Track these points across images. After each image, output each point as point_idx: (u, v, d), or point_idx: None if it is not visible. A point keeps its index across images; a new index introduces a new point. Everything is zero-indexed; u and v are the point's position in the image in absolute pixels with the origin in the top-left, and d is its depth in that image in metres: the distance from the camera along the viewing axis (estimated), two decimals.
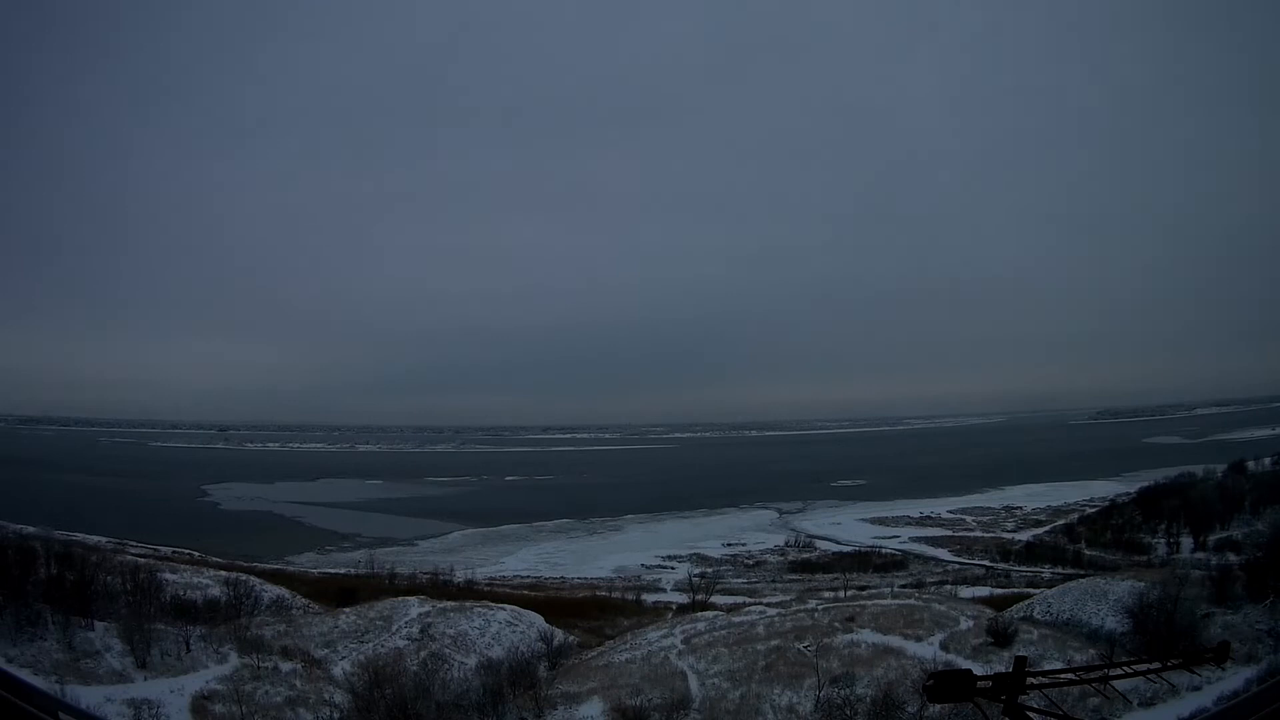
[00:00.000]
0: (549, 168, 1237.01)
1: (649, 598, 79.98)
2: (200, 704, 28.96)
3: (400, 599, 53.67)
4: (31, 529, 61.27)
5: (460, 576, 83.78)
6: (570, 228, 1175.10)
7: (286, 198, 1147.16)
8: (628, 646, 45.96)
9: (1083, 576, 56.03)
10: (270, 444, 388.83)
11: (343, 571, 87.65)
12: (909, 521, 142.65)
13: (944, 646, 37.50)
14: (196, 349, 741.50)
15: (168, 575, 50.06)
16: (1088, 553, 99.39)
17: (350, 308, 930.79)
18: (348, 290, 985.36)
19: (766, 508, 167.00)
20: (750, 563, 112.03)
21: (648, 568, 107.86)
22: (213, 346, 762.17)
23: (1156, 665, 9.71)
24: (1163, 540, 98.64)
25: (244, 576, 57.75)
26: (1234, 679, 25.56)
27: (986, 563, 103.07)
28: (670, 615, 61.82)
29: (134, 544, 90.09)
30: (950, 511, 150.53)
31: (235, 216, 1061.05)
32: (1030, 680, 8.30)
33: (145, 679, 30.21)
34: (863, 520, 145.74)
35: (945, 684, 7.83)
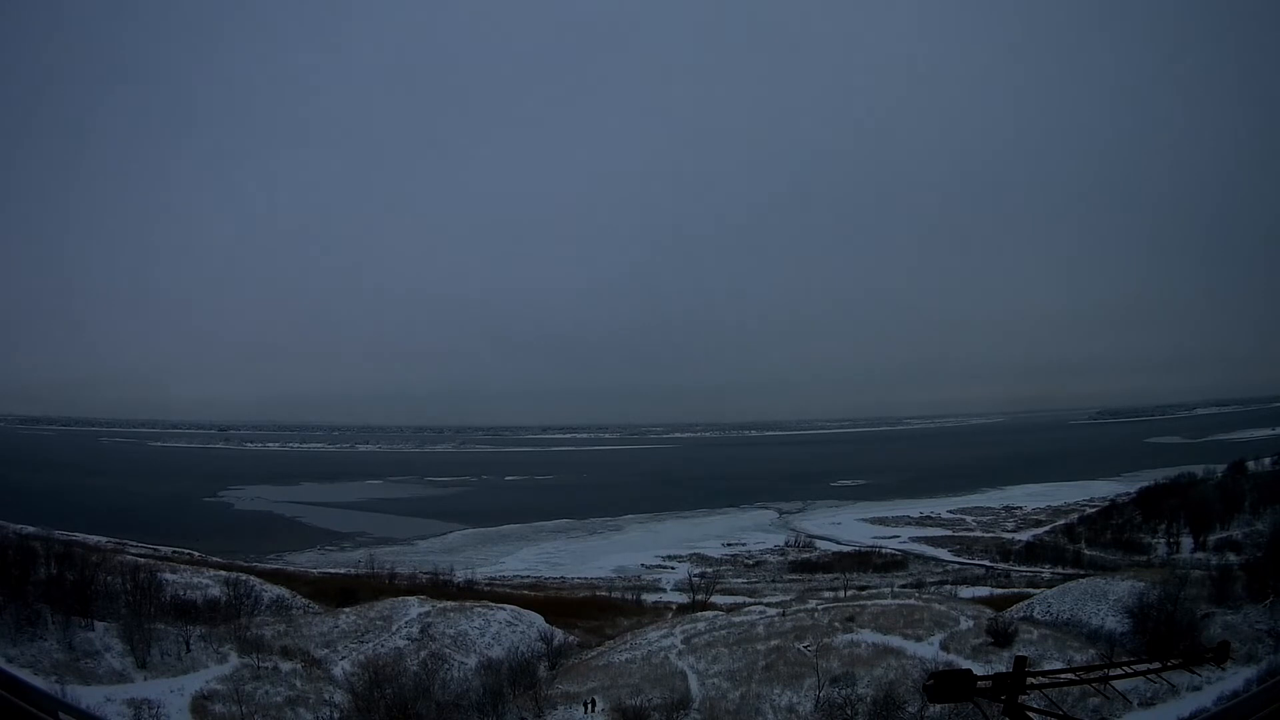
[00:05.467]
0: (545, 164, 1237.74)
1: (649, 598, 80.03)
2: (200, 704, 28.94)
3: (400, 599, 53.69)
4: (31, 529, 61.29)
5: (460, 576, 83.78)
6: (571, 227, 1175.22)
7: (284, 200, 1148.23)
8: (628, 646, 46.00)
9: (1083, 576, 56.06)
10: (270, 444, 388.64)
11: (343, 571, 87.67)
12: (909, 521, 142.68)
13: (944, 646, 37.50)
14: (197, 350, 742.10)
15: (168, 575, 50.07)
16: (1088, 553, 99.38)
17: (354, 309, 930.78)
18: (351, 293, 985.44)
19: (766, 508, 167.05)
20: (750, 563, 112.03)
21: (648, 568, 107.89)
22: (216, 347, 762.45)
23: (1156, 665, 9.68)
24: (1163, 540, 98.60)
25: (244, 576, 57.78)
26: (1234, 679, 25.55)
27: (986, 563, 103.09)
28: (670, 615, 61.86)
29: (134, 544, 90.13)
30: (950, 511, 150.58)
31: (234, 220, 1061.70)
32: (1030, 680, 8.30)
33: (145, 679, 30.19)
34: (863, 520, 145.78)
35: (945, 684, 7.83)
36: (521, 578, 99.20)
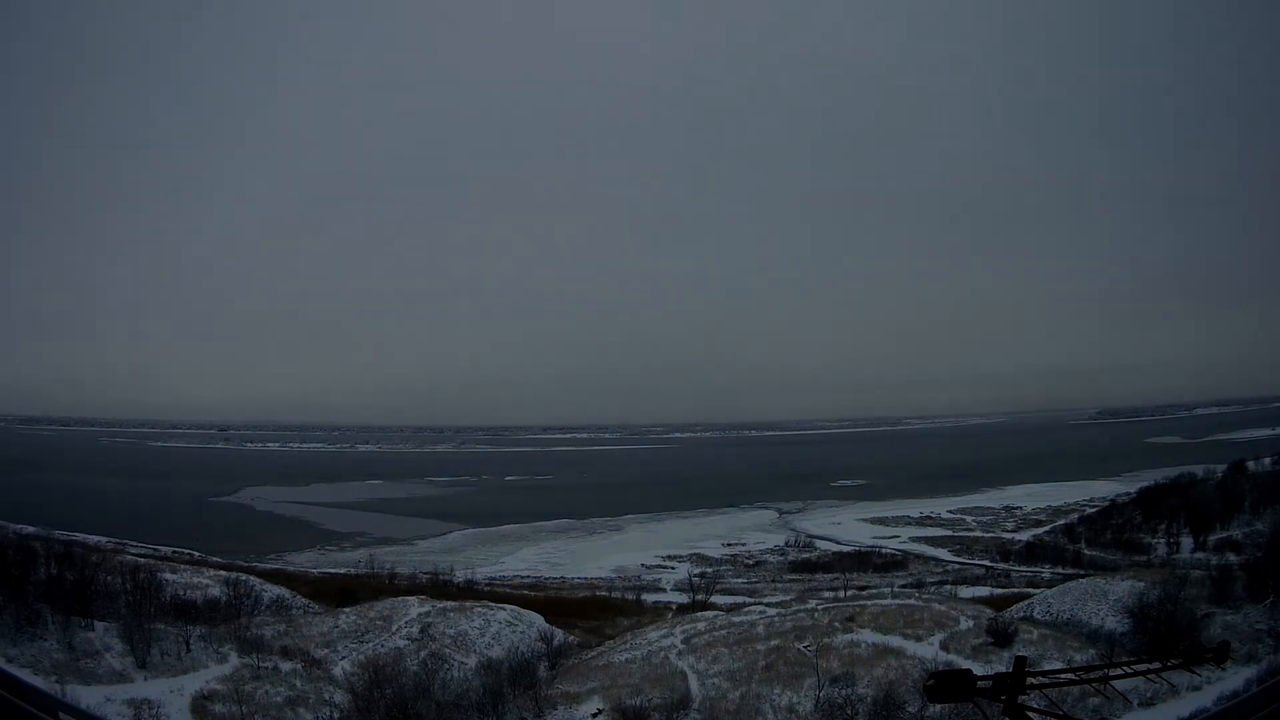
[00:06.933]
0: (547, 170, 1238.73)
1: (649, 598, 79.97)
2: (200, 704, 28.93)
3: (400, 599, 53.65)
4: (31, 529, 61.29)
5: (460, 576, 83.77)
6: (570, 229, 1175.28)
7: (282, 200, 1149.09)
8: (628, 646, 45.96)
9: (1083, 576, 56.04)
10: (270, 444, 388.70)
11: (343, 571, 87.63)
12: (909, 521, 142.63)
13: (944, 646, 37.49)
14: (199, 351, 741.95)
15: (168, 575, 50.03)
16: (1088, 553, 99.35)
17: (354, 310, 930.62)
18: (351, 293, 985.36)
19: (766, 508, 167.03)
20: (750, 563, 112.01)
21: (648, 568, 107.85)
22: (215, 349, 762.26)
23: (1156, 665, 9.71)
24: (1163, 540, 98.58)
25: (244, 576, 57.73)
26: (1234, 679, 25.56)
27: (986, 563, 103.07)
28: (670, 615, 61.84)
29: (134, 544, 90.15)
30: (950, 511, 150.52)
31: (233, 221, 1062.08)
32: (1030, 680, 8.31)
33: (145, 679, 30.18)
34: (863, 520, 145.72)
35: (945, 684, 7.84)
36: (521, 578, 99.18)
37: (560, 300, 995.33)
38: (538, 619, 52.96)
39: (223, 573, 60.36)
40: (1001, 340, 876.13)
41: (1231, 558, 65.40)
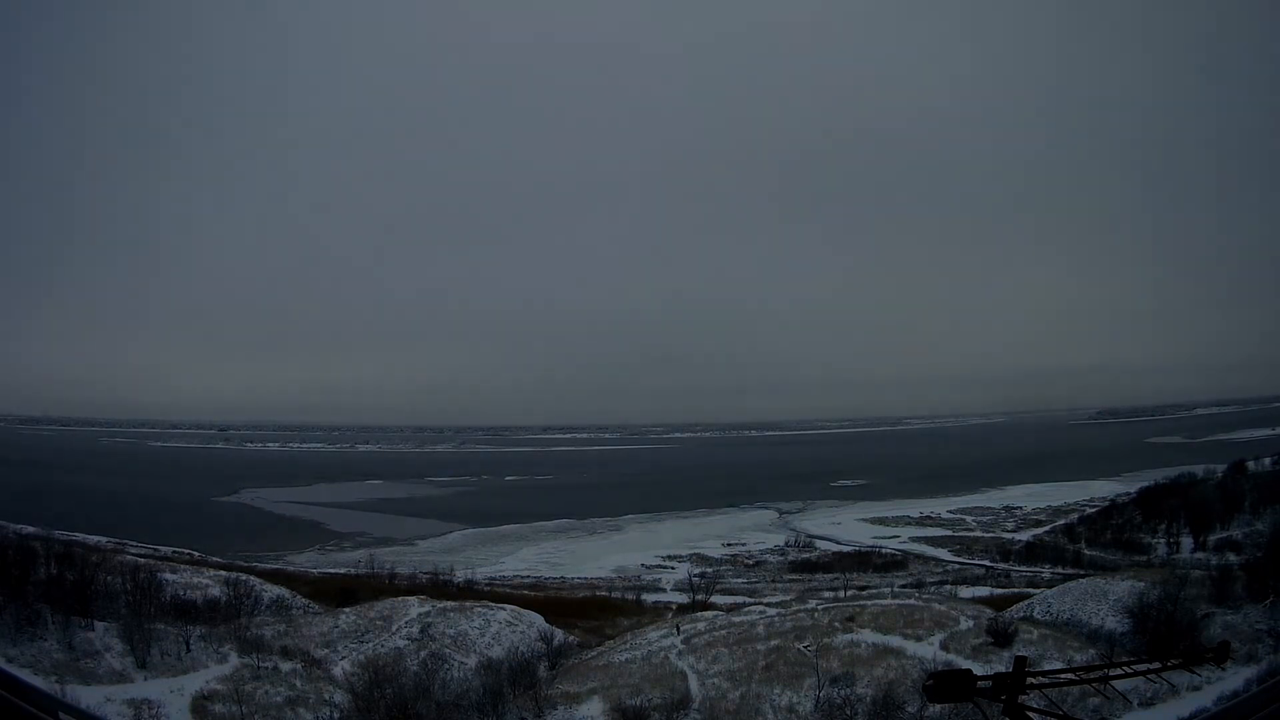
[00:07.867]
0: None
1: (649, 598, 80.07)
2: (200, 704, 28.93)
3: (400, 599, 53.70)
4: (31, 529, 61.29)
5: (460, 576, 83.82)
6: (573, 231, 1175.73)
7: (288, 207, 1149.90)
8: (628, 646, 46.00)
9: (1083, 576, 56.07)
10: (270, 444, 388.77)
11: (343, 571, 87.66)
12: (909, 521, 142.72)
13: (944, 646, 37.48)
14: (199, 351, 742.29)
15: (168, 575, 50.04)
16: (1088, 553, 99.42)
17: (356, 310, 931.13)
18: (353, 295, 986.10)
19: (766, 508, 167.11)
20: (750, 563, 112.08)
21: (648, 568, 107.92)
22: (216, 349, 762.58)
23: (1156, 665, 9.71)
24: (1163, 540, 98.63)
25: (244, 576, 57.76)
26: (1234, 679, 25.55)
27: (986, 563, 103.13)
28: (670, 615, 61.87)
29: (134, 544, 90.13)
30: (950, 511, 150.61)
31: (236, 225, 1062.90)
32: (1030, 680, 8.31)
33: (145, 679, 30.18)
34: (863, 520, 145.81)
35: (945, 684, 7.84)
36: (521, 578, 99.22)
37: (560, 301, 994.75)
38: (538, 619, 53.02)
39: (223, 573, 60.38)
40: (1002, 341, 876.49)
41: (1231, 558, 65.43)
